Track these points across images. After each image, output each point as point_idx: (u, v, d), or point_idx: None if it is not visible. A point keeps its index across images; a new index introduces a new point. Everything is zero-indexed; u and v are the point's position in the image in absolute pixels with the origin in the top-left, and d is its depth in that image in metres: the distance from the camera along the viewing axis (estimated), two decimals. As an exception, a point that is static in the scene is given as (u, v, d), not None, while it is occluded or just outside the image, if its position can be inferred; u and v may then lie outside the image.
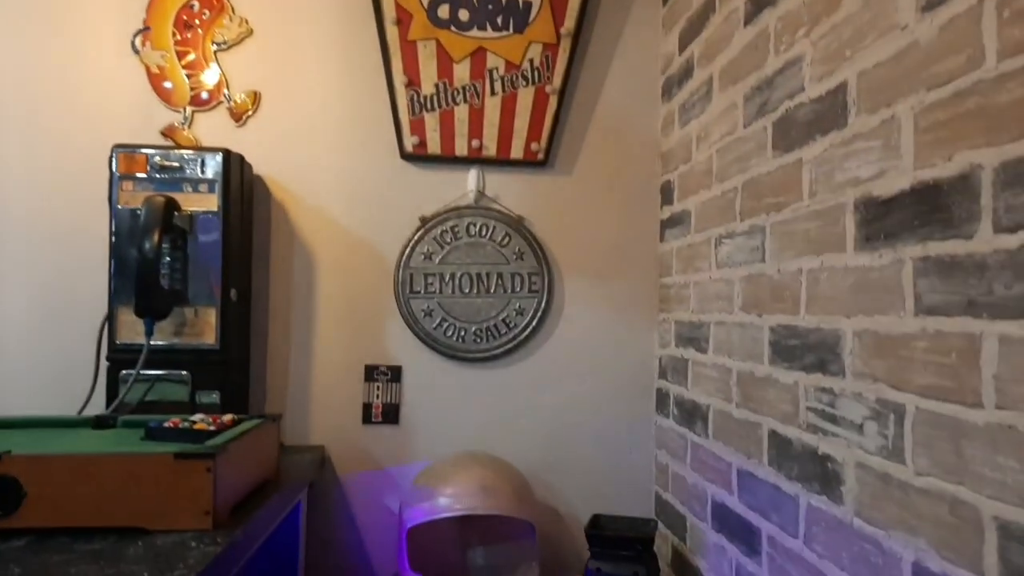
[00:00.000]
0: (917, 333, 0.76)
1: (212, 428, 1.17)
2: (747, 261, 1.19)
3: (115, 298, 1.41)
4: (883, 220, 0.82)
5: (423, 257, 1.62)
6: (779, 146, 1.09)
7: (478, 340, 1.63)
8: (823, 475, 0.94)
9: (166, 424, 1.19)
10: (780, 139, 1.08)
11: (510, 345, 1.64)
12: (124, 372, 1.42)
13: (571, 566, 1.63)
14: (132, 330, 1.42)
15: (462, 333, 1.63)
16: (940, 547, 0.72)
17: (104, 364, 1.43)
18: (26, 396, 1.55)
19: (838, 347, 0.91)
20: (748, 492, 1.16)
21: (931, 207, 0.74)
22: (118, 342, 1.42)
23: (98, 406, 1.42)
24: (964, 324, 0.69)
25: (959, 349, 0.70)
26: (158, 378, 1.43)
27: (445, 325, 1.62)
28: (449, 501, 1.34)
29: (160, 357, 1.41)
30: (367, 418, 1.63)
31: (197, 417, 1.23)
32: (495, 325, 1.63)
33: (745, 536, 1.17)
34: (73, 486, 0.99)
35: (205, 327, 1.44)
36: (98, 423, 1.30)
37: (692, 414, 1.43)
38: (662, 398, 1.63)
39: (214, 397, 1.44)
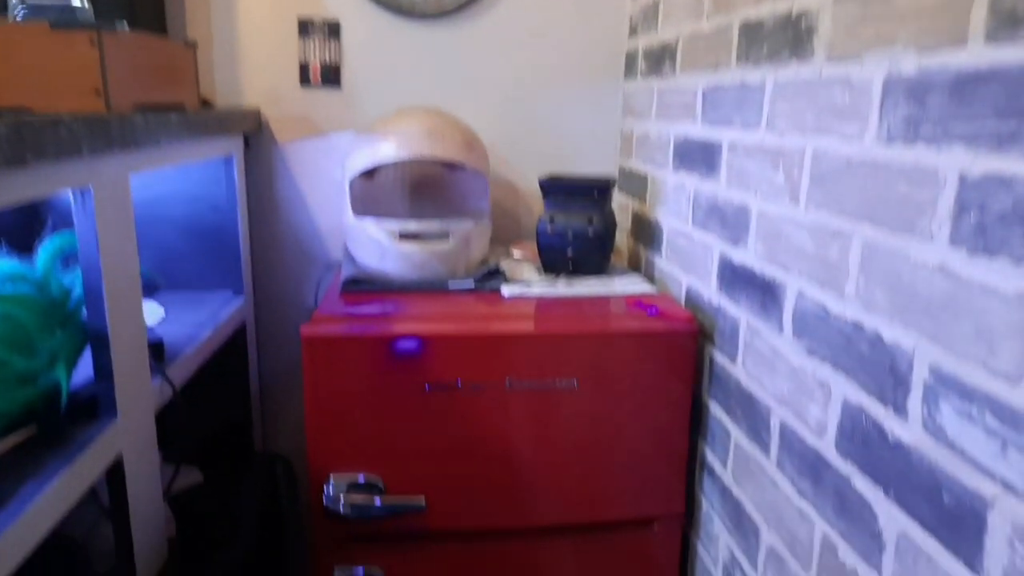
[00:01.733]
0: None
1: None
2: None
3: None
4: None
5: None
6: None
7: (427, -9, 1.45)
8: (795, 37, 0.82)
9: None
10: None
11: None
12: None
13: (525, 236, 1.58)
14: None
15: (408, -19, 1.44)
16: (918, 41, 0.61)
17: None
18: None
19: None
20: (712, 107, 1.06)
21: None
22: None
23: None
24: None
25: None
26: None
27: (389, -30, 1.43)
28: (392, 146, 1.23)
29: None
30: (304, 79, 1.48)
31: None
32: (446, -28, 1.44)
33: (706, 155, 1.08)
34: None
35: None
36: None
37: (661, 55, 1.29)
38: (631, 60, 1.48)
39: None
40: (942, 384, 0.58)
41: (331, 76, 1.49)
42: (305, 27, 1.46)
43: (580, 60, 1.52)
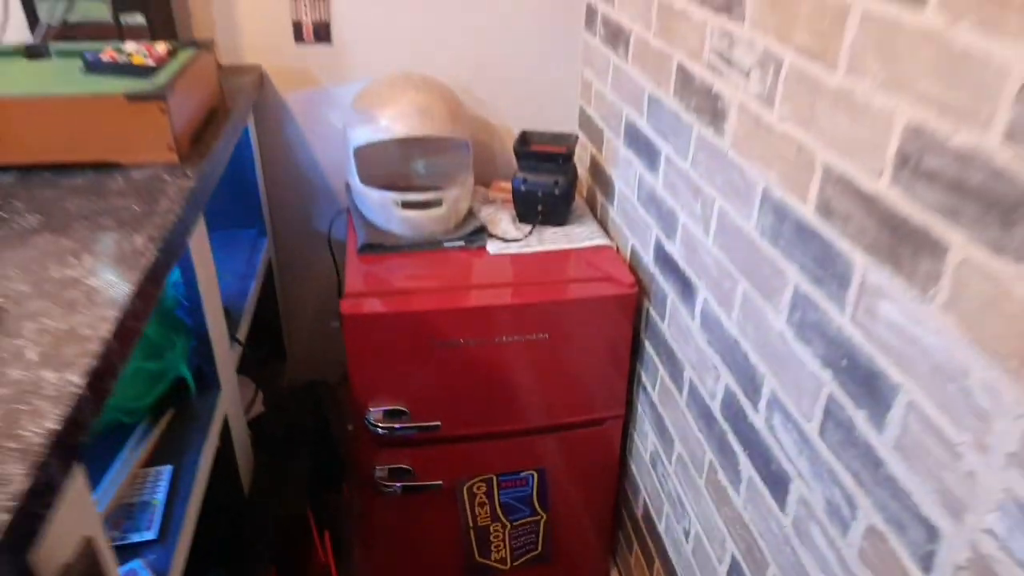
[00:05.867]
0: (805, -5, 0.84)
1: (151, 63, 1.21)
2: None
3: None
4: None
5: None
6: None
7: (407, -46, 1.58)
8: (713, 111, 1.08)
9: (103, 57, 1.22)
10: None
11: (441, -41, 1.60)
12: (41, -4, 1.38)
13: (501, 174, 1.84)
14: (37, -49, 1.35)
15: (390, -53, 1.57)
16: (783, 180, 0.90)
17: (17, -12, 1.38)
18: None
19: (743, -6, 0.98)
20: (655, 117, 1.32)
21: None
22: (25, -36, 1.36)
23: (13, 30, 1.43)
24: (840, -5, 0.77)
25: (833, 14, 0.79)
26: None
27: (371, -62, 1.55)
28: (389, 124, 1.46)
29: (74, -21, 1.36)
30: (298, 36, 1.65)
31: (131, 48, 1.26)
32: (424, -62, 1.57)
33: (649, 153, 1.36)
34: (34, 127, 1.07)
35: (115, -55, 1.37)
36: (31, 53, 1.31)
37: (616, 36, 1.50)
38: (591, 15, 1.67)
39: (139, 19, 1.44)
40: (777, 402, 0.95)
41: (322, 33, 1.65)
42: (296, -11, 1.60)
43: (543, 9, 1.69)
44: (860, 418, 0.77)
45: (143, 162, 1.11)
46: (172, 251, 0.94)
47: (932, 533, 0.68)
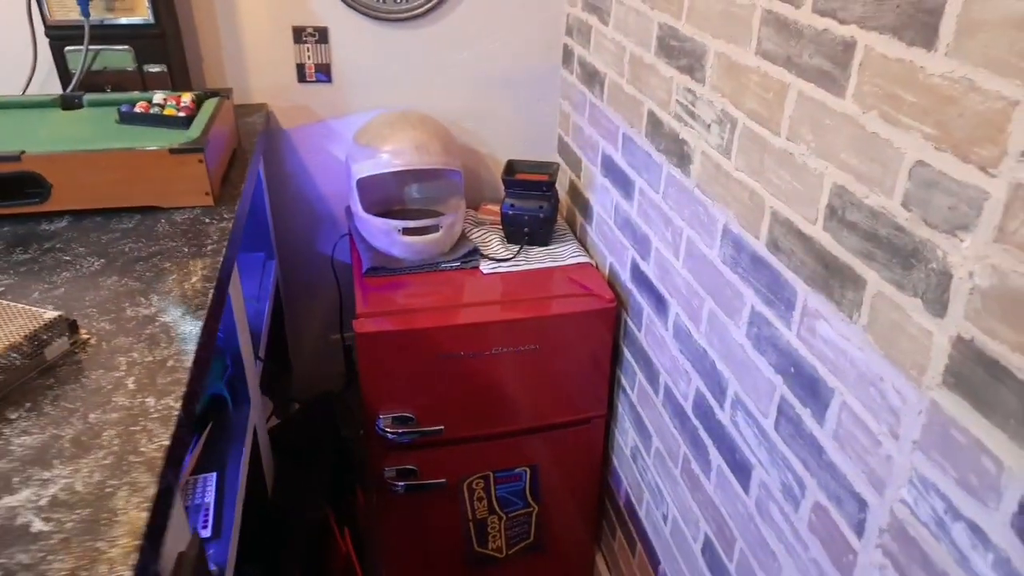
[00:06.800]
0: (754, 68, 1.01)
1: (181, 114, 1.36)
2: (647, -46, 1.33)
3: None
4: (749, -34, 1.01)
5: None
6: None
7: (397, 0, 1.74)
8: (680, 154, 1.26)
9: (136, 109, 1.36)
10: None
11: (430, 3, 1.76)
12: (68, 48, 1.51)
13: (488, 197, 2.01)
14: (63, 7, 1.48)
15: (384, -5, 1.73)
16: (740, 218, 1.08)
17: (43, 41, 1.51)
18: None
19: (704, 59, 1.16)
20: (629, 153, 1.49)
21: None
22: (51, 21, 1.49)
23: (40, 82, 1.56)
24: (780, 73, 0.95)
25: (776, 90, 0.97)
26: (101, 51, 1.53)
27: (367, -13, 1.71)
28: (389, 158, 1.62)
29: (99, 33, 1.50)
30: (301, 77, 1.79)
31: (159, 99, 1.40)
32: (415, -14, 1.73)
33: (624, 184, 1.53)
34: (86, 177, 1.21)
35: (136, 3, 1.51)
36: (66, 104, 1.45)
37: (592, 77, 1.67)
38: (568, 55, 1.84)
39: (162, 68, 1.58)
40: (740, 403, 1.13)
41: (323, 73, 1.80)
42: (299, 33, 1.75)
43: (524, 49, 1.87)
44: (806, 415, 0.96)
45: (182, 205, 1.26)
46: (222, 288, 1.09)
47: (862, 504, 0.86)
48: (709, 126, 1.15)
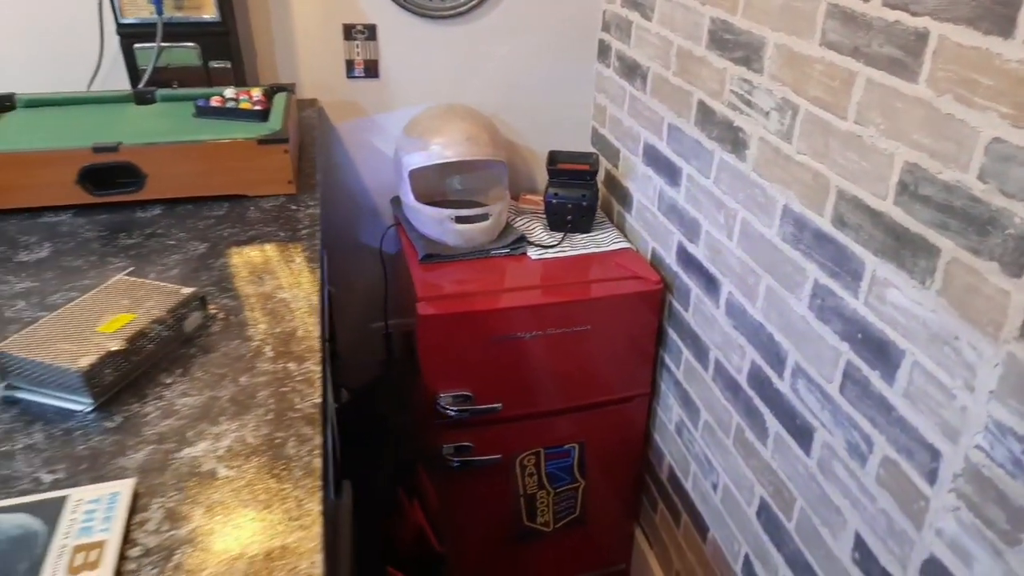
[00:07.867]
0: (818, 58, 1.10)
1: (256, 107, 1.42)
2: (698, -46, 1.41)
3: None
4: (814, -35, 1.09)
5: (391, -83, 1.69)
6: None
7: (445, -1, 1.81)
8: (734, 140, 1.35)
9: (212, 103, 1.43)
10: None
11: (473, 1, 1.83)
12: (137, 45, 1.57)
13: (525, 187, 2.09)
14: (135, 5, 1.54)
15: (431, -7, 1.80)
16: (802, 198, 1.17)
17: (114, 39, 1.56)
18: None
19: (762, 51, 1.24)
20: (675, 141, 1.58)
21: (849, -31, 1.02)
22: (123, 20, 1.54)
23: (102, 79, 1.62)
24: (847, 62, 1.04)
25: (842, 78, 1.05)
26: (168, 48, 1.59)
27: (416, -14, 1.78)
28: (441, 149, 1.69)
29: (167, 30, 1.55)
30: (350, 73, 1.86)
31: (231, 93, 1.47)
32: (461, -15, 1.80)
33: (670, 171, 1.62)
34: (178, 167, 1.27)
35: (204, 1, 1.57)
36: (140, 99, 1.51)
37: (632, 70, 1.76)
38: (604, 49, 1.92)
39: (226, 64, 1.64)
40: (801, 371, 1.22)
41: (371, 69, 1.87)
42: (349, 31, 1.82)
43: (560, 44, 1.94)
44: (874, 377, 1.04)
45: (266, 194, 1.32)
46: (321, 268, 1.16)
47: (935, 454, 0.95)
48: (768, 113, 1.24)
